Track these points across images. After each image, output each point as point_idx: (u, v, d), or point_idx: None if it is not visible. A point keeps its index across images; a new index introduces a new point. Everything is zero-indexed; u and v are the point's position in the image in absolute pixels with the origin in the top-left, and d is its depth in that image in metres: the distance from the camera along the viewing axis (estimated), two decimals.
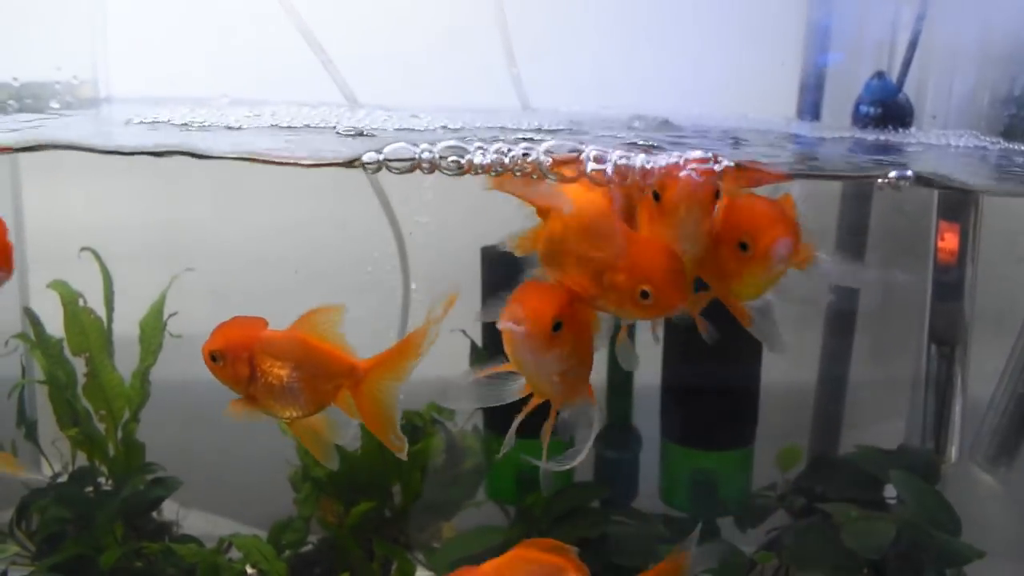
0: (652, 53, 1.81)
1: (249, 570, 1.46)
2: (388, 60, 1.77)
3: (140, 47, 1.80)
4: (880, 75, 1.78)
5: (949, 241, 1.71)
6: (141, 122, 1.47)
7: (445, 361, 1.80)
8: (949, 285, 1.71)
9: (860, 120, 1.77)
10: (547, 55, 1.85)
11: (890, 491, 1.61)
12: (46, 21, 1.73)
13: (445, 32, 1.80)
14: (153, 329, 1.70)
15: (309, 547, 1.62)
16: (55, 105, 1.67)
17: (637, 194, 1.00)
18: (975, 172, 1.57)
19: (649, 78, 1.82)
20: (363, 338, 1.10)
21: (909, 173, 1.24)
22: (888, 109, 1.74)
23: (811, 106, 1.87)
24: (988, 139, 1.65)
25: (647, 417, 1.74)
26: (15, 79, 1.63)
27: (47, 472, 1.77)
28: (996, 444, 1.70)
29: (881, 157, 1.57)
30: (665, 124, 1.71)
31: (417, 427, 1.63)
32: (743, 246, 0.93)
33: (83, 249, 1.69)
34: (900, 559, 1.38)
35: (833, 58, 1.88)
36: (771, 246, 0.91)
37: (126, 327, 1.70)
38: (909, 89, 1.74)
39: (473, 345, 1.63)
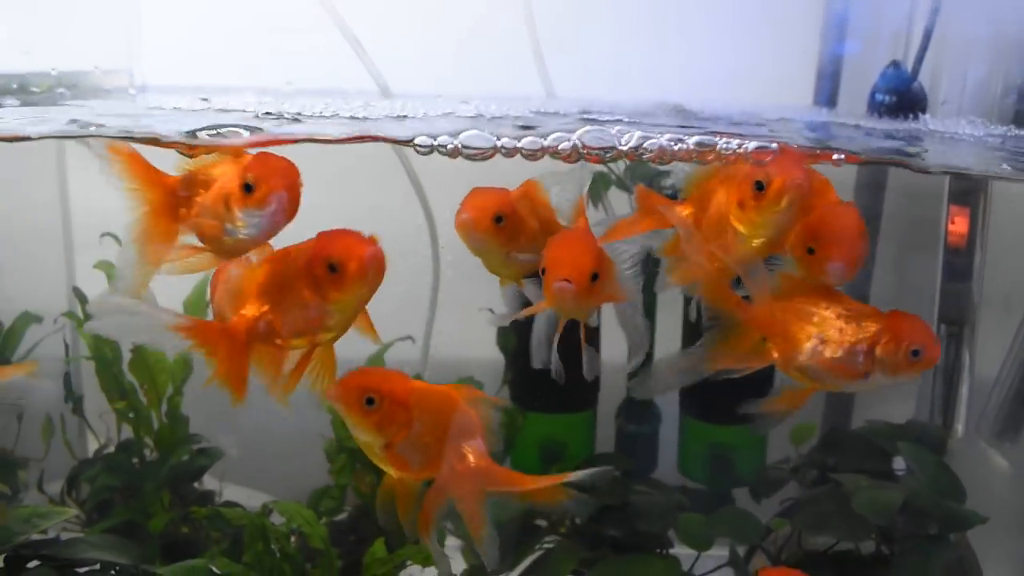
0: (672, 42, 1.86)
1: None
2: (419, 50, 1.83)
3: (173, 36, 1.87)
4: (895, 64, 1.83)
5: (959, 225, 1.78)
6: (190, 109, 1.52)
7: (469, 343, 1.90)
8: (958, 268, 1.78)
9: (875, 108, 1.82)
10: (570, 45, 1.91)
11: (899, 464, 1.68)
12: (81, 11, 1.79)
13: (473, 24, 1.86)
14: (197, 307, 1.78)
15: (344, 516, 1.70)
16: (99, 92, 1.75)
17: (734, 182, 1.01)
18: (985, 159, 1.63)
19: (668, 67, 1.88)
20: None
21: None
22: (902, 97, 1.79)
23: (827, 94, 1.93)
24: (999, 127, 1.70)
25: (667, 393, 1.82)
26: (53, 69, 1.71)
27: (93, 445, 1.87)
28: (1001, 420, 1.76)
29: (896, 143, 1.62)
30: (682, 112, 1.77)
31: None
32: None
33: (104, 235, 1.76)
34: (907, 524, 1.45)
35: (850, 47, 1.93)
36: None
37: (170, 305, 1.79)
38: (924, 78, 1.80)
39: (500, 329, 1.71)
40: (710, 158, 1.00)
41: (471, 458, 1.00)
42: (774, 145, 1.00)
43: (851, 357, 0.98)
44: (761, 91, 1.89)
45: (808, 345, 1.00)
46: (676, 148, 1.01)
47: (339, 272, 0.92)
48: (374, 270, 0.92)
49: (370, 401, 0.97)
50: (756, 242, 0.97)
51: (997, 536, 1.63)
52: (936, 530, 1.44)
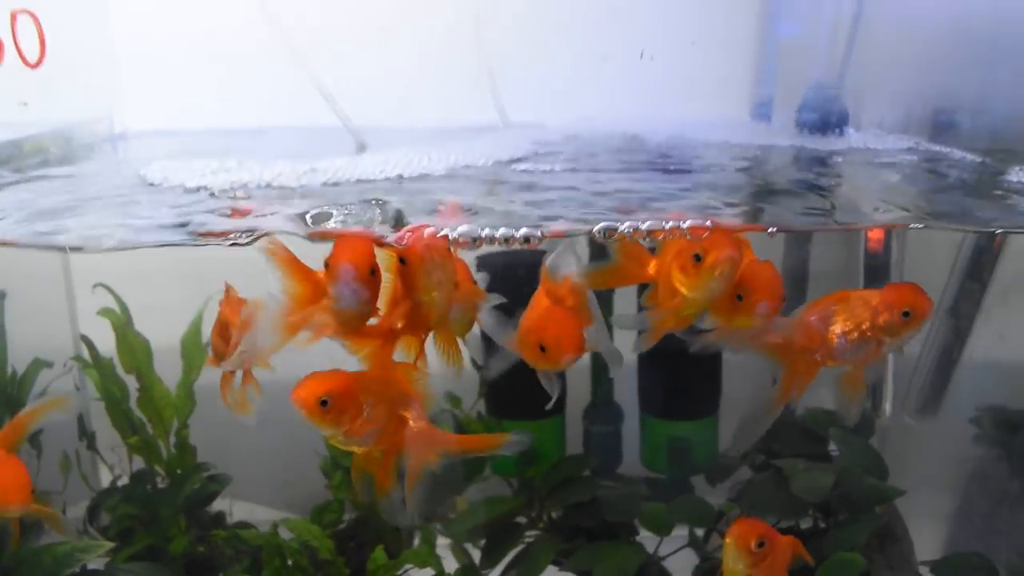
0: (622, 63, 1.94)
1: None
2: (377, 82, 1.97)
3: (151, 81, 1.97)
4: (819, 84, 2.03)
5: (876, 231, 1.98)
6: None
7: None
8: (878, 269, 1.99)
9: (802, 125, 2.01)
10: (520, 69, 2.05)
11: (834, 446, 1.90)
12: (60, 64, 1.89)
13: (426, 51, 2.00)
14: (193, 345, 1.94)
15: (343, 525, 1.89)
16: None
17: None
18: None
19: (617, 87, 2.04)
20: None
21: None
22: (826, 115, 1.99)
23: (764, 109, 2.10)
24: (916, 141, 1.89)
25: (626, 395, 2.02)
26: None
27: (107, 477, 2.03)
28: (922, 399, 2.00)
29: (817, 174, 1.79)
30: (635, 139, 1.95)
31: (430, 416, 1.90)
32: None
33: (96, 285, 1.90)
34: (839, 501, 1.67)
35: (782, 63, 2.09)
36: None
37: (169, 341, 1.95)
38: (849, 94, 1.99)
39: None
40: (660, 237, 1.21)
41: (412, 422, 1.18)
42: (709, 222, 1.20)
43: (865, 339, 1.20)
44: (704, 106, 2.06)
45: (836, 343, 1.21)
46: (631, 232, 1.21)
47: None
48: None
49: (323, 403, 1.11)
50: (696, 301, 1.18)
51: (921, 495, 1.85)
52: (863, 504, 1.66)
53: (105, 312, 1.92)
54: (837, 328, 1.21)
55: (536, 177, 1.60)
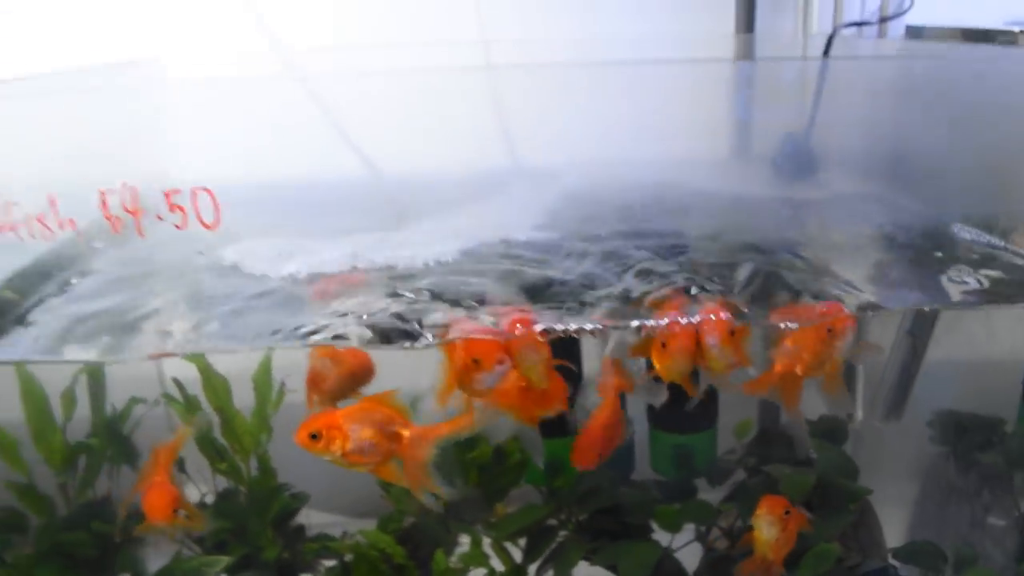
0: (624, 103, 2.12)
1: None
2: (396, 131, 2.21)
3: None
4: (789, 135, 2.34)
5: None
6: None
7: None
8: None
9: (777, 171, 2.32)
10: (532, 116, 2.31)
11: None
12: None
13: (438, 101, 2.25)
14: (264, 383, 2.27)
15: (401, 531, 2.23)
16: None
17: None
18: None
19: (611, 126, 2.32)
20: None
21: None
22: (798, 163, 2.29)
23: (741, 149, 2.40)
24: (876, 187, 2.18)
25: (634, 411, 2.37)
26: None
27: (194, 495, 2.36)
28: (887, 405, 2.35)
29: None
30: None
31: (471, 437, 2.24)
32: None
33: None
34: (819, 500, 2.02)
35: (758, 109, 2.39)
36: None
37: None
38: (817, 140, 2.28)
39: None
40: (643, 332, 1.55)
41: (399, 431, 1.49)
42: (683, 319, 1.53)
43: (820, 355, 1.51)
44: (687, 144, 2.35)
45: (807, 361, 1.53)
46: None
47: None
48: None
49: (313, 436, 1.40)
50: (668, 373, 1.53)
51: (890, 486, 2.20)
52: (839, 502, 2.01)
53: (190, 357, 2.24)
54: (804, 352, 1.55)
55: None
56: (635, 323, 1.49)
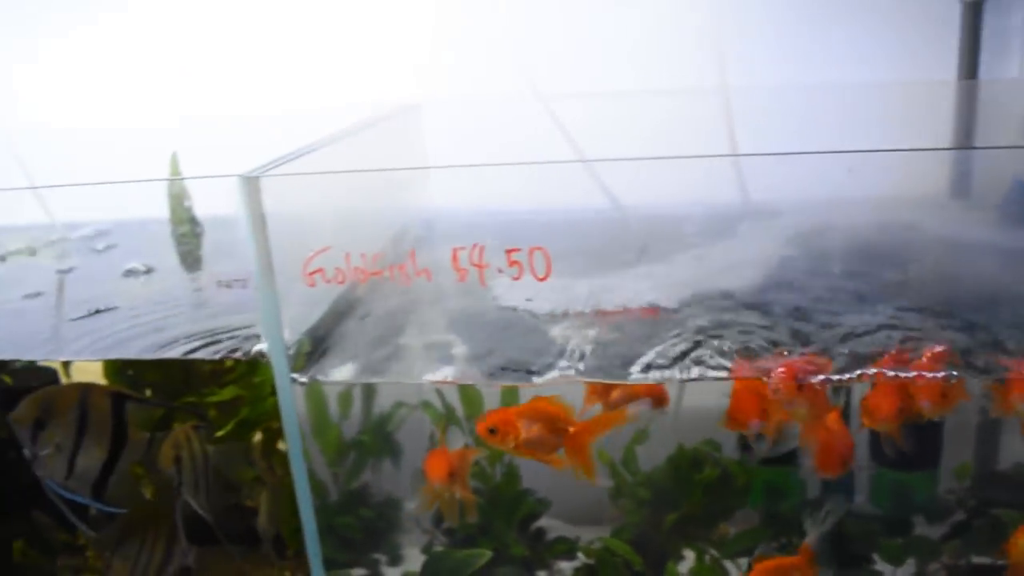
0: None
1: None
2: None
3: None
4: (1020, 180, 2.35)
5: None
6: None
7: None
8: None
9: (1004, 213, 2.34)
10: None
11: None
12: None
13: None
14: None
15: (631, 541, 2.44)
16: None
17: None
18: None
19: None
20: None
21: None
22: None
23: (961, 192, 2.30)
24: None
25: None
26: None
27: None
28: None
29: None
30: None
31: (699, 460, 2.42)
32: None
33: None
34: None
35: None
36: None
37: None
38: None
39: None
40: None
41: (568, 427, 1.70)
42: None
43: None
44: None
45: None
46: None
47: None
48: None
49: (491, 430, 1.65)
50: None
51: None
52: None
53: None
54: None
55: None
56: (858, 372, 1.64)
